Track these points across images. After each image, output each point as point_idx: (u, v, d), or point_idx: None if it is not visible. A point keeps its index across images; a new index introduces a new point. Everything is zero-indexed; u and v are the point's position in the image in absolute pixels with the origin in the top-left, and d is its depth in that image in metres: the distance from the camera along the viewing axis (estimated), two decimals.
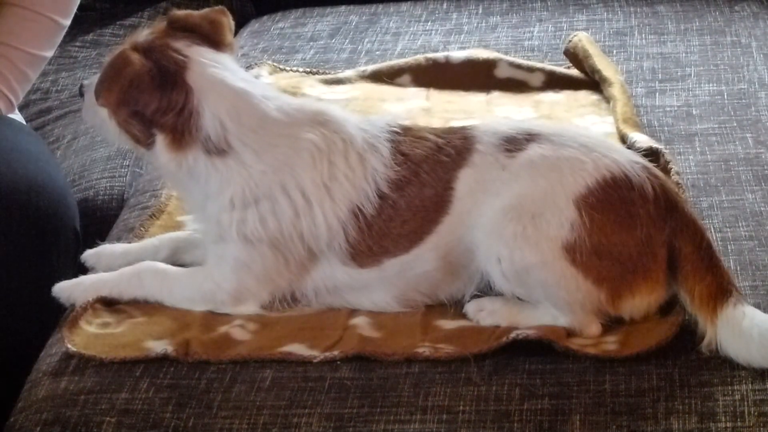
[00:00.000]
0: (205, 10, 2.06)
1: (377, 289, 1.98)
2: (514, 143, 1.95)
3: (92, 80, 2.02)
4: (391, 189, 1.96)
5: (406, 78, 2.77)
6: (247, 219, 1.96)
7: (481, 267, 1.94)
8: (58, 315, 2.06)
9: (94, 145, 2.83)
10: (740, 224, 2.17)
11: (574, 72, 2.76)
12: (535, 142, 1.95)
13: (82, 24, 3.21)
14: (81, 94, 2.08)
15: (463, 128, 2.02)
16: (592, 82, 2.71)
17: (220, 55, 2.02)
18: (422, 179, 1.96)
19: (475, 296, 1.97)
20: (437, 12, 3.24)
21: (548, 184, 1.90)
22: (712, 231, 2.14)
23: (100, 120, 2.02)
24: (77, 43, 3.29)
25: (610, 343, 1.89)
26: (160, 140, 1.97)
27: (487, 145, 1.96)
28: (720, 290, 1.85)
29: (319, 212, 1.96)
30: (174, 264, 2.07)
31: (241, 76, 2.02)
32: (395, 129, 2.01)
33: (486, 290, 1.96)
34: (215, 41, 2.03)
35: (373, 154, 1.97)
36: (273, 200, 1.96)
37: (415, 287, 1.98)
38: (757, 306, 1.87)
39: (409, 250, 1.96)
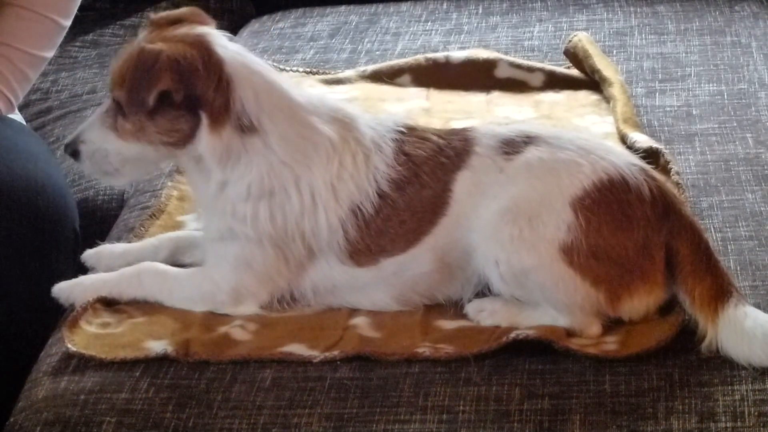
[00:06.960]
0: (181, 9, 2.03)
1: (375, 289, 1.98)
2: (512, 146, 1.95)
3: (80, 133, 1.96)
4: (391, 188, 1.96)
5: (406, 78, 2.76)
6: (258, 214, 1.95)
7: (479, 270, 1.94)
8: (58, 315, 2.06)
9: None
10: (740, 224, 2.17)
11: (574, 72, 2.76)
12: (533, 145, 1.95)
13: (82, 24, 3.21)
14: (74, 155, 1.99)
15: (463, 130, 2.02)
16: (592, 82, 2.71)
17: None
18: (422, 180, 1.96)
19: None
20: (437, 12, 3.23)
21: (545, 187, 1.90)
22: (712, 231, 2.14)
23: (127, 152, 1.96)
24: (77, 43, 3.29)
25: (610, 343, 1.89)
26: (205, 123, 1.92)
27: (485, 148, 1.96)
28: (720, 291, 1.85)
29: (322, 212, 1.95)
30: (174, 264, 2.07)
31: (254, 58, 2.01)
32: (401, 129, 2.00)
33: (485, 293, 1.96)
34: None
35: (378, 153, 1.97)
36: (285, 195, 1.95)
37: (412, 288, 1.98)
38: (757, 306, 1.88)
39: (406, 250, 1.96)
